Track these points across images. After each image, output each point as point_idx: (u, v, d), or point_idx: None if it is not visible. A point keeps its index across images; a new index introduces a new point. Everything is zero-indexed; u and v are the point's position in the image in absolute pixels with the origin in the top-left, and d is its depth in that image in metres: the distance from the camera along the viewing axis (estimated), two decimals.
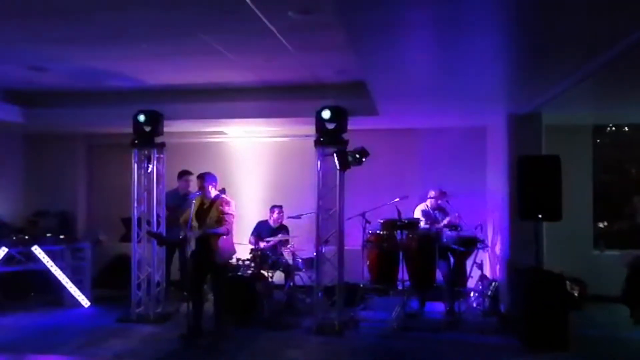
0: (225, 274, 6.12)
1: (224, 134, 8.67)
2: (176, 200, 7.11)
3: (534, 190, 5.78)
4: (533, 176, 5.82)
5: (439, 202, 6.90)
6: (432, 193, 6.92)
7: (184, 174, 7.39)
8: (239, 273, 6.65)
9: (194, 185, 7.26)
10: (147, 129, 6.69)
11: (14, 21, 4.56)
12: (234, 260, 6.83)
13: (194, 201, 5.79)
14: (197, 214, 5.75)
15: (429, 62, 4.61)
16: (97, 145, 9.27)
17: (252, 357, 5.35)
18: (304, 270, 7.06)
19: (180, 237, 6.12)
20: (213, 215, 5.71)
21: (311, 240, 6.50)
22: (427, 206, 6.92)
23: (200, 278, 5.92)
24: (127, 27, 4.68)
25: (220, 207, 5.73)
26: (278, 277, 7.18)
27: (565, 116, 6.99)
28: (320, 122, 6.22)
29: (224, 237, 5.75)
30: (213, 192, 5.85)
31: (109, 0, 4.07)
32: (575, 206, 6.91)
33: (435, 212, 6.89)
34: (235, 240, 6.63)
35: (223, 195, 5.89)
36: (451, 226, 6.71)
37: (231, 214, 5.77)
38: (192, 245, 5.83)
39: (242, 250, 6.97)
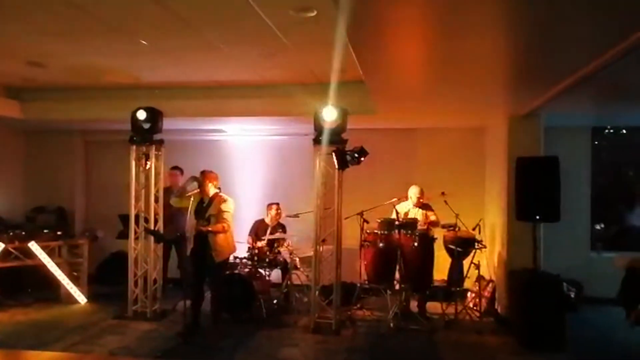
0: (222, 271, 6.13)
1: (223, 131, 8.66)
2: (169, 197, 7.09)
3: (532, 191, 5.80)
4: (531, 177, 5.83)
5: (421, 200, 6.87)
6: (413, 191, 6.87)
7: (174, 170, 7.33)
8: (237, 271, 6.65)
9: (183, 181, 7.24)
10: (146, 125, 6.67)
11: (13, 16, 4.54)
12: (231, 259, 6.82)
13: (191, 199, 5.82)
14: (195, 211, 5.77)
15: (427, 61, 4.59)
16: (95, 142, 9.27)
17: (248, 355, 5.34)
18: (301, 268, 7.06)
19: (178, 234, 6.14)
20: (211, 213, 5.73)
21: (309, 239, 6.49)
22: (409, 205, 6.88)
23: (199, 276, 5.93)
24: (126, 23, 4.67)
25: (219, 205, 5.75)
26: (275, 275, 7.17)
27: (564, 117, 6.99)
28: (318, 120, 6.22)
29: (221, 235, 5.77)
30: (212, 190, 5.87)
31: None
32: (573, 207, 6.91)
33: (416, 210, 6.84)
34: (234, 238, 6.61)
35: (221, 194, 5.90)
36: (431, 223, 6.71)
37: (228, 212, 5.79)
38: (190, 243, 5.84)
39: (240, 249, 6.97)
